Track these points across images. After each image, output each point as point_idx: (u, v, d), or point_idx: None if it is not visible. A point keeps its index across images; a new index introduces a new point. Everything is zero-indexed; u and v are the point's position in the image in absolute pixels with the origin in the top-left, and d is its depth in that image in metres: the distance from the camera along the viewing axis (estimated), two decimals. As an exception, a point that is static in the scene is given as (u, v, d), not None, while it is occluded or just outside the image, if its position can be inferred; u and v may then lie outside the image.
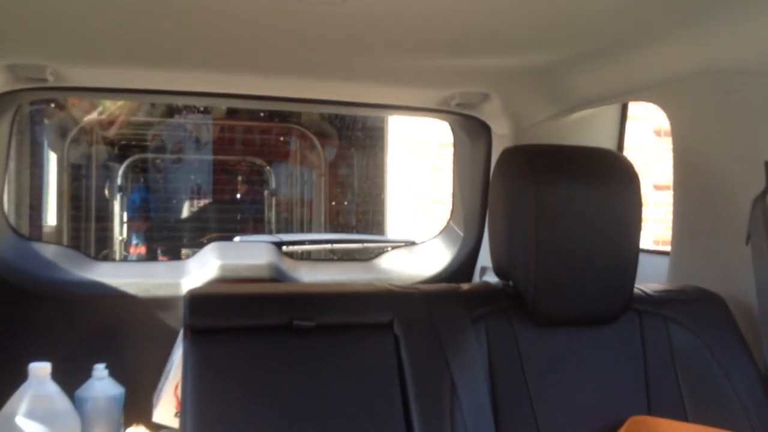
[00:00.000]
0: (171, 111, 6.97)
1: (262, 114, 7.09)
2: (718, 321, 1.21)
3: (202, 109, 7.00)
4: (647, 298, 1.22)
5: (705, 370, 1.16)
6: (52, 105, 6.22)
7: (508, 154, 1.21)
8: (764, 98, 1.24)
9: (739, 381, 1.15)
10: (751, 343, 1.20)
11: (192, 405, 1.00)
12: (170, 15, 1.24)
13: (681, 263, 1.50)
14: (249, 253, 2.08)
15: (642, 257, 1.17)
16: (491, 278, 1.30)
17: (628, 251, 1.14)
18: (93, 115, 6.46)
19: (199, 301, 1.10)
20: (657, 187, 5.22)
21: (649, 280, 1.33)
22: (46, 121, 6.44)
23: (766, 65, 1.21)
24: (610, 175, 1.15)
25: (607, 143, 1.89)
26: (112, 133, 6.74)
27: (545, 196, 1.11)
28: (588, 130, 1.85)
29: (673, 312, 1.20)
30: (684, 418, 1.12)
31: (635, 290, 1.19)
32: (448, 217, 2.33)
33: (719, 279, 1.33)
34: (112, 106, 6.37)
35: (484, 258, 2.11)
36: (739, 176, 1.32)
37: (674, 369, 1.16)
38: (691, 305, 1.23)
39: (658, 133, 5.48)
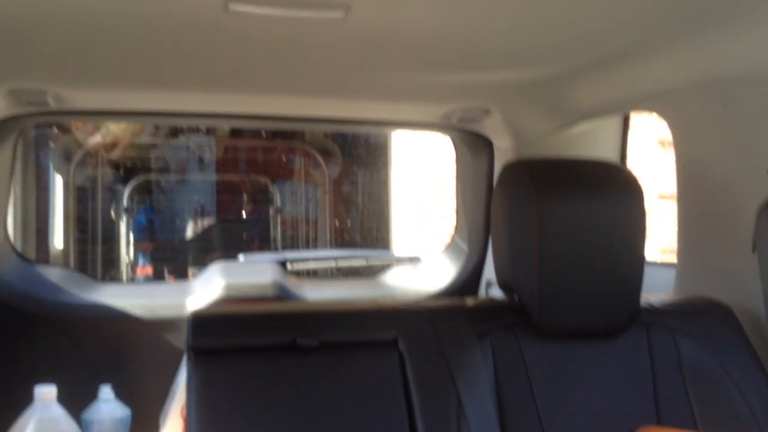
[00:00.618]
0: (175, 132, 7.00)
1: (264, 134, 7.12)
2: (726, 331, 1.20)
3: (205, 129, 7.04)
4: (654, 311, 1.21)
5: (714, 381, 1.15)
6: (55, 129, 6.26)
7: (510, 168, 1.21)
8: (765, 107, 1.23)
9: (749, 391, 1.14)
10: (760, 352, 1.19)
11: (196, 426, 0.99)
12: (171, 37, 1.25)
13: (687, 274, 1.49)
14: (253, 272, 2.08)
15: (648, 269, 1.16)
16: (497, 292, 1.30)
17: (633, 263, 1.14)
18: (97, 138, 6.50)
19: (202, 321, 1.10)
20: (663, 197, 5.21)
21: (657, 291, 1.32)
22: (51, 144, 6.48)
23: (764, 73, 1.20)
24: (613, 188, 1.15)
25: (610, 155, 1.89)
26: (116, 155, 6.77)
27: (548, 210, 1.11)
28: (590, 142, 1.85)
29: (681, 324, 1.19)
30: (693, 428, 1.11)
31: (642, 302, 1.18)
32: (453, 232, 2.32)
33: (726, 289, 1.32)
34: (115, 129, 6.41)
35: (490, 272, 2.10)
36: (743, 185, 1.31)
37: (683, 381, 1.15)
38: (698, 316, 1.22)
39: (662, 144, 5.48)
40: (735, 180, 1.33)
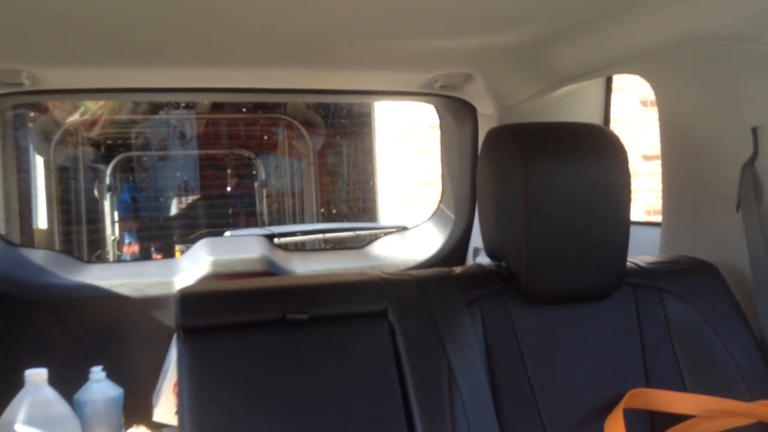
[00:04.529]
0: (155, 107, 6.92)
1: (244, 109, 7.05)
2: (712, 290, 1.21)
3: (185, 104, 6.96)
4: (640, 271, 1.22)
5: (701, 339, 1.16)
6: (32, 113, 6.16)
7: (494, 134, 1.20)
8: (747, 64, 1.23)
9: (736, 348, 1.15)
10: (746, 309, 1.21)
11: (189, 405, 0.99)
12: (145, 12, 1.22)
13: (673, 234, 1.50)
14: (241, 248, 2.07)
15: (633, 230, 1.17)
16: (484, 259, 1.30)
17: (619, 225, 1.14)
18: (75, 116, 6.41)
19: (190, 300, 1.09)
20: (646, 158, 5.23)
21: (643, 252, 1.33)
22: (29, 124, 6.39)
23: (747, 30, 1.20)
24: (597, 150, 1.14)
25: (593, 117, 1.88)
26: (96, 133, 6.69)
27: (532, 175, 1.10)
28: (573, 105, 1.84)
29: (667, 283, 1.20)
30: (682, 388, 1.13)
31: (628, 264, 1.19)
32: (439, 199, 2.32)
33: (712, 247, 1.33)
34: (93, 106, 6.33)
35: (477, 239, 2.10)
36: (726, 143, 1.31)
37: (670, 340, 1.16)
38: (684, 275, 1.23)
39: (644, 104, 5.49)
40: (719, 138, 1.33)
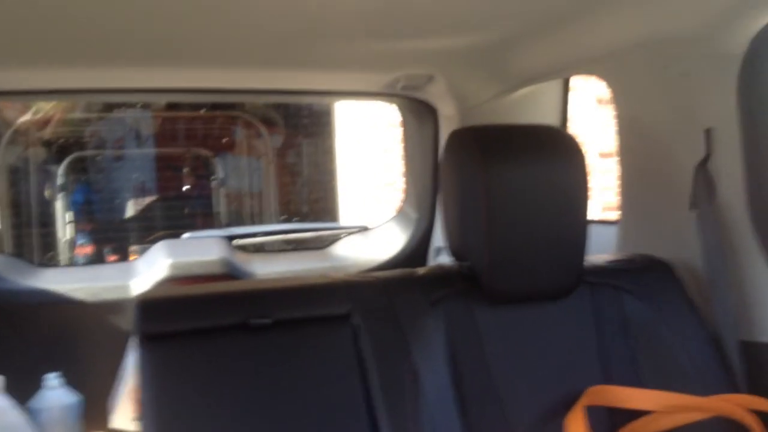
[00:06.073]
0: (109, 106, 6.78)
1: (203, 109, 6.94)
2: (667, 288, 1.24)
3: (140, 103, 6.83)
4: (598, 270, 1.24)
5: (657, 336, 1.19)
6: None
7: (456, 135, 1.21)
8: (701, 66, 1.26)
9: (691, 345, 1.18)
10: (700, 306, 1.24)
11: (151, 412, 0.97)
12: (99, 10, 1.19)
13: (629, 232, 1.53)
14: (199, 250, 2.04)
15: (591, 228, 1.19)
16: (445, 259, 1.31)
17: (577, 225, 1.16)
18: (27, 116, 6.24)
19: (151, 305, 1.07)
20: (603, 155, 5.32)
21: (600, 250, 1.35)
22: (-23, 125, 6.20)
23: (702, 33, 1.23)
24: (556, 152, 1.16)
25: (552, 118, 1.91)
26: (48, 133, 6.52)
27: (495, 176, 1.11)
28: (532, 106, 1.86)
29: (623, 281, 1.22)
30: (640, 385, 1.15)
31: (586, 263, 1.21)
32: (402, 199, 2.33)
33: (667, 246, 1.36)
34: (46, 106, 6.17)
35: (438, 239, 2.11)
36: (681, 144, 1.34)
37: (627, 338, 1.18)
38: (639, 274, 1.25)
39: (600, 102, 5.58)
40: (674, 139, 1.36)
